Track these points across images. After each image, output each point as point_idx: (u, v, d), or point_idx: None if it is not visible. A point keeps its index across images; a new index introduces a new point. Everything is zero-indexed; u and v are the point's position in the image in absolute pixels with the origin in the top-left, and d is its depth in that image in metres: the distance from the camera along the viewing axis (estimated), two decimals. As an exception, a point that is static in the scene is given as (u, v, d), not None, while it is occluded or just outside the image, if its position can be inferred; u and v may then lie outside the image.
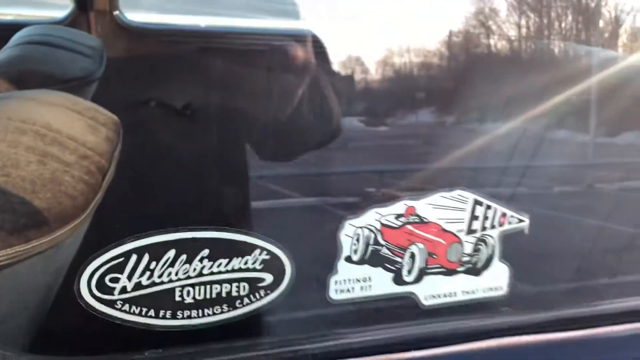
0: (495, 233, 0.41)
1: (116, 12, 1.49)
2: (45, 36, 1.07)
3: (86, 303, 0.34)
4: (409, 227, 0.39)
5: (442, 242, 0.40)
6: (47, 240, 0.44)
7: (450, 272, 0.40)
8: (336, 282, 0.39)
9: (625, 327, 0.46)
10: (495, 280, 0.42)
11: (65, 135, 0.48)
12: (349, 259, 0.39)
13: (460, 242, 0.40)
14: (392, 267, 0.40)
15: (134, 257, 0.35)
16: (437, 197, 0.39)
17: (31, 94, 0.54)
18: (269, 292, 0.37)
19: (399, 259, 0.40)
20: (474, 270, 0.41)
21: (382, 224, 0.39)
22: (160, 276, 0.35)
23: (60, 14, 1.54)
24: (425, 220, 0.39)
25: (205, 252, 0.35)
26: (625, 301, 0.47)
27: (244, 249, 0.36)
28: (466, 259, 0.41)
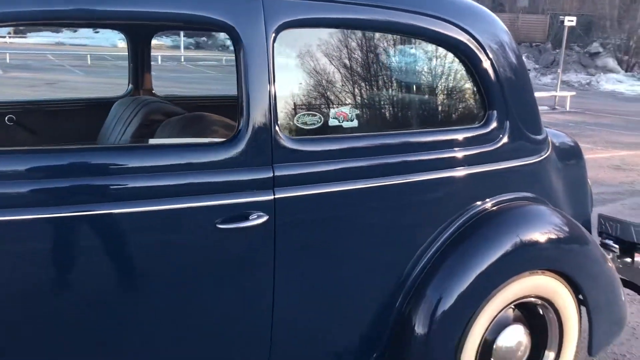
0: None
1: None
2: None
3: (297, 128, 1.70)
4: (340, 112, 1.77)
5: (345, 113, 1.78)
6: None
7: (345, 121, 1.79)
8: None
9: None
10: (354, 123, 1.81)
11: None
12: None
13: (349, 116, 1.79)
14: (334, 120, 1.77)
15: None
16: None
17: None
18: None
19: (337, 118, 1.78)
20: (353, 120, 1.80)
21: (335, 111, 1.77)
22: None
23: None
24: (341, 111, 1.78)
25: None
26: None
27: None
28: (352, 117, 1.80)
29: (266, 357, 1.77)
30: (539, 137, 2.25)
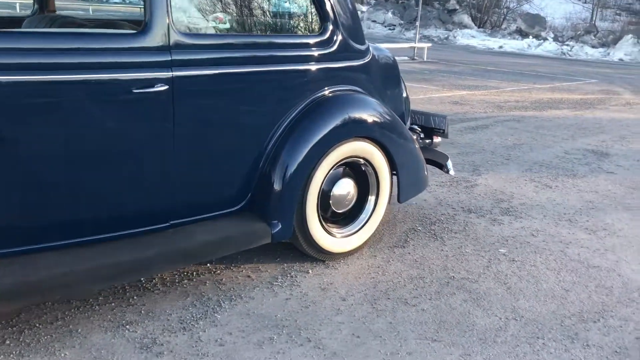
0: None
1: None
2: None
3: (186, 26, 2.40)
4: (217, 16, 2.49)
5: (221, 17, 2.51)
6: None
7: (220, 24, 2.52)
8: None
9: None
10: (227, 25, 2.55)
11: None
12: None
13: (224, 20, 2.52)
14: (213, 22, 2.50)
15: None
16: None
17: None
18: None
19: (215, 20, 2.50)
20: (227, 24, 2.53)
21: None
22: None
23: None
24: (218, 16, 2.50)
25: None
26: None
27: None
28: (226, 21, 2.53)
29: (170, 203, 2.50)
30: (362, 47, 3.13)
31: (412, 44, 15.98)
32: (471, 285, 2.90)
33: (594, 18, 26.68)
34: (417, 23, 16.44)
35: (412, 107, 7.05)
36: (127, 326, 2.39)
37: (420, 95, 9.34)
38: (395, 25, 26.05)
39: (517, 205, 4.15)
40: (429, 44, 16.87)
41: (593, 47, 22.02)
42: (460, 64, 15.62)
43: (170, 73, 2.34)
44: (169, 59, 2.33)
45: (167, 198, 2.49)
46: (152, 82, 2.29)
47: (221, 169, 2.64)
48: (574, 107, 9.11)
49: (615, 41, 22.11)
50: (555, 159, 5.60)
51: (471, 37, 24.14)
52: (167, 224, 2.54)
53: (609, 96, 10.70)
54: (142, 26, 2.27)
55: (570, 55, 21.24)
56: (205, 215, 2.65)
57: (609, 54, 21.14)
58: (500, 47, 22.63)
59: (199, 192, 2.60)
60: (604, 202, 4.38)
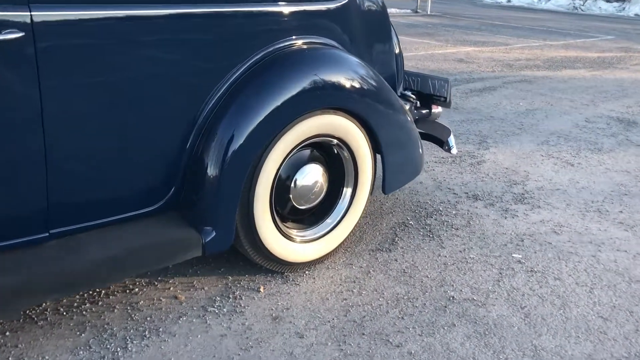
0: None
1: None
2: None
3: None
4: None
5: None
6: None
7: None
8: None
9: None
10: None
11: None
12: None
13: None
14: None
15: None
16: None
17: None
18: None
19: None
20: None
21: None
22: None
23: None
24: None
25: None
26: None
27: None
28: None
29: (48, 204, 1.72)
30: (337, -16, 2.29)
31: (415, -4, 14.89)
32: (477, 312, 2.15)
33: (608, -29, 25.21)
34: (421, -28, 15.29)
35: (409, 66, 6.21)
36: (-21, 386, 1.66)
37: (422, 52, 8.44)
38: (398, -23, 24.69)
39: (533, 190, 3.38)
40: (434, -4, 15.76)
41: (607, 1, 20.76)
42: (466, 17, 14.56)
43: (28, 13, 1.53)
44: (25, -10, 1.52)
45: (42, 198, 1.71)
46: (-3, 27, 1.49)
47: (125, 154, 1.85)
48: (591, 66, 8.21)
49: (631, -5, 20.85)
50: (575, 129, 4.79)
51: (478, -10, 22.84)
52: (46, 234, 1.77)
53: (628, 54, 9.76)
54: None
55: (582, 10, 20.04)
56: (104, 220, 1.88)
57: (624, 8, 19.92)
58: (509, 0, 21.42)
59: (91, 187, 1.81)
60: (639, 185, 3.60)
